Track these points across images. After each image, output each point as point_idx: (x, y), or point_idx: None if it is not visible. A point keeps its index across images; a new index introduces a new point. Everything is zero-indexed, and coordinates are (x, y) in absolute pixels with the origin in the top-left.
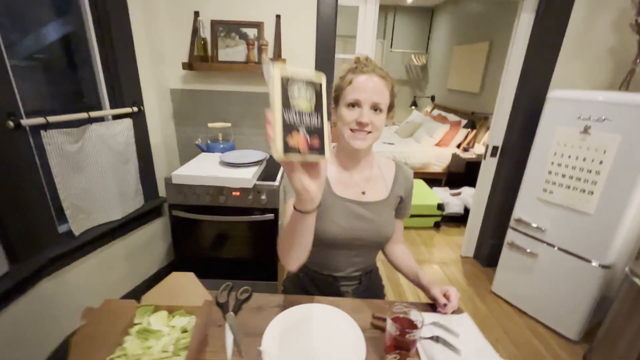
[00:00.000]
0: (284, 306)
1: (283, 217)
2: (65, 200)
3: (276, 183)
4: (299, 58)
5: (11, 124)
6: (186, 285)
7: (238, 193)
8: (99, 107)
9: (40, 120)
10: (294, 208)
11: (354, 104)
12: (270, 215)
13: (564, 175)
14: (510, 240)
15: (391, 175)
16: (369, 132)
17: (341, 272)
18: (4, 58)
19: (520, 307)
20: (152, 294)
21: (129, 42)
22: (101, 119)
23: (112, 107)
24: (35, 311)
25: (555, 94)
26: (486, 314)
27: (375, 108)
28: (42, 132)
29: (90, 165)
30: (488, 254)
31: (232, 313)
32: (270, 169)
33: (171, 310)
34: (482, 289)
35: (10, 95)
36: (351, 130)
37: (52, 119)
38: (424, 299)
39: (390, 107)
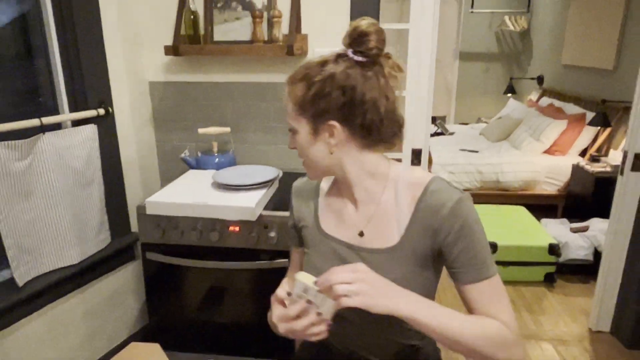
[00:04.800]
0: None
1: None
2: (7, 237)
3: None
4: (326, 34)
5: None
6: None
7: (237, 228)
8: (56, 111)
9: None
10: None
11: None
12: (283, 261)
13: None
14: None
15: (411, 208)
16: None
17: (350, 345)
18: None
19: None
20: None
21: (96, 21)
22: (58, 126)
23: (72, 110)
24: None
25: None
26: None
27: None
28: None
29: (39, 189)
30: (634, 328)
31: None
32: (283, 194)
33: None
34: None
35: None
36: None
37: None
38: None
39: (319, 113)
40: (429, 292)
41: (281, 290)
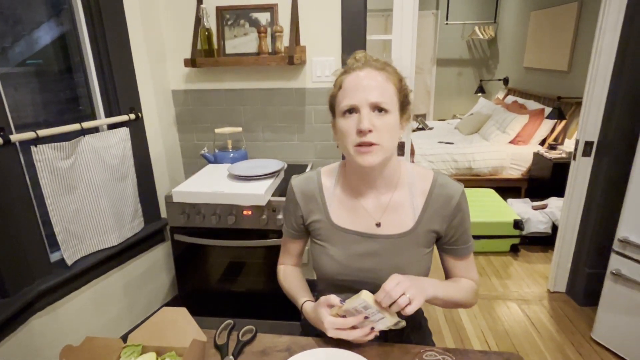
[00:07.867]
0: (293, 350)
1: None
2: (57, 224)
3: None
4: (321, 45)
5: (0, 140)
6: (178, 323)
7: (250, 212)
8: (94, 117)
9: (30, 134)
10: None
11: (350, 110)
12: None
13: None
14: (615, 268)
15: (422, 199)
16: (376, 144)
17: None
18: None
19: None
20: (139, 332)
21: (125, 39)
22: (96, 130)
23: (107, 115)
24: (26, 351)
25: None
26: None
27: (377, 109)
28: (33, 148)
29: (82, 184)
30: (586, 288)
31: (231, 357)
32: (288, 182)
33: (160, 352)
34: (579, 335)
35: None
36: (356, 145)
37: (42, 132)
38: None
39: (404, 106)
40: (429, 266)
41: (334, 298)
